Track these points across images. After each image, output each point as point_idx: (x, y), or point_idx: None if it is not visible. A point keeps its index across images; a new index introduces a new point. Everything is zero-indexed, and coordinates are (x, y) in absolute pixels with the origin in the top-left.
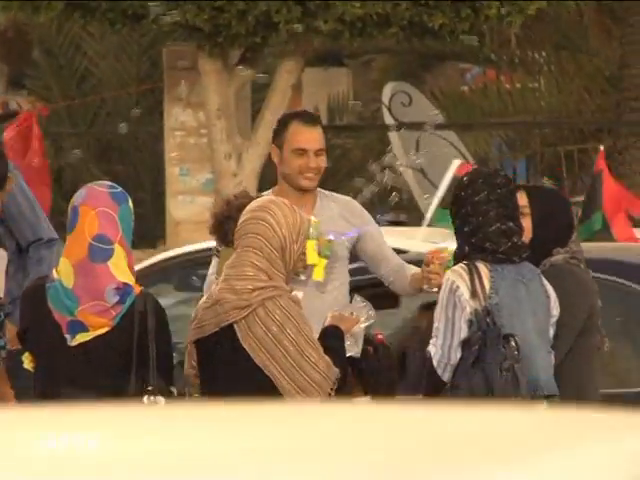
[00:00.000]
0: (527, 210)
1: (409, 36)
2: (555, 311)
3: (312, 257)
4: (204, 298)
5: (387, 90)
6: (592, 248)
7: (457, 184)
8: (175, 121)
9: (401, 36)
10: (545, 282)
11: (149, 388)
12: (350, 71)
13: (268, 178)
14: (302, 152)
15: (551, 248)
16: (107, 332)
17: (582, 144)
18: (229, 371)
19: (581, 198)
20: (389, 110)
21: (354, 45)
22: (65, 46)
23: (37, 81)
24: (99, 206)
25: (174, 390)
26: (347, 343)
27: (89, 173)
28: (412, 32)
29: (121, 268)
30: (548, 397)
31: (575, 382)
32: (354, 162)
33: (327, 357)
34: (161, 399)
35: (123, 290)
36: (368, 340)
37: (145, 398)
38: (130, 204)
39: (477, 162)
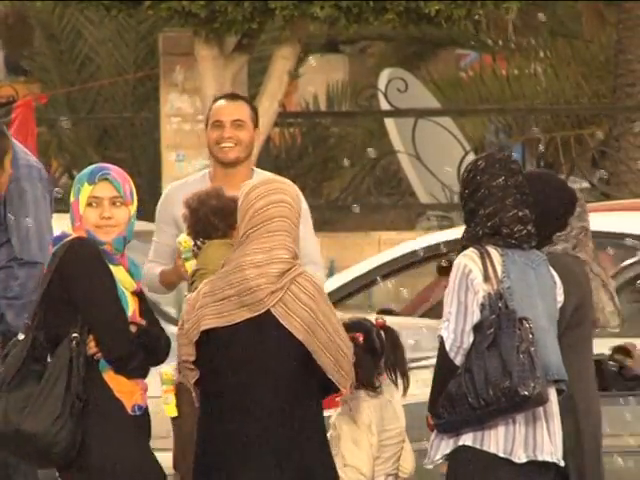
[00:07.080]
0: None
1: (405, 22)
2: (560, 297)
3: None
4: (206, 288)
5: (383, 76)
6: None
7: (470, 167)
8: (171, 107)
9: (397, 22)
10: (551, 268)
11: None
12: (347, 58)
13: (265, 164)
14: (218, 124)
15: (548, 233)
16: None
17: (578, 130)
18: (257, 355)
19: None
20: (385, 96)
21: (350, 31)
22: (66, 32)
23: (35, 66)
24: None
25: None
26: None
27: (87, 159)
28: (408, 18)
29: None
30: (557, 382)
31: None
32: (350, 148)
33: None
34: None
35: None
36: (359, 327)
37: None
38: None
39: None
